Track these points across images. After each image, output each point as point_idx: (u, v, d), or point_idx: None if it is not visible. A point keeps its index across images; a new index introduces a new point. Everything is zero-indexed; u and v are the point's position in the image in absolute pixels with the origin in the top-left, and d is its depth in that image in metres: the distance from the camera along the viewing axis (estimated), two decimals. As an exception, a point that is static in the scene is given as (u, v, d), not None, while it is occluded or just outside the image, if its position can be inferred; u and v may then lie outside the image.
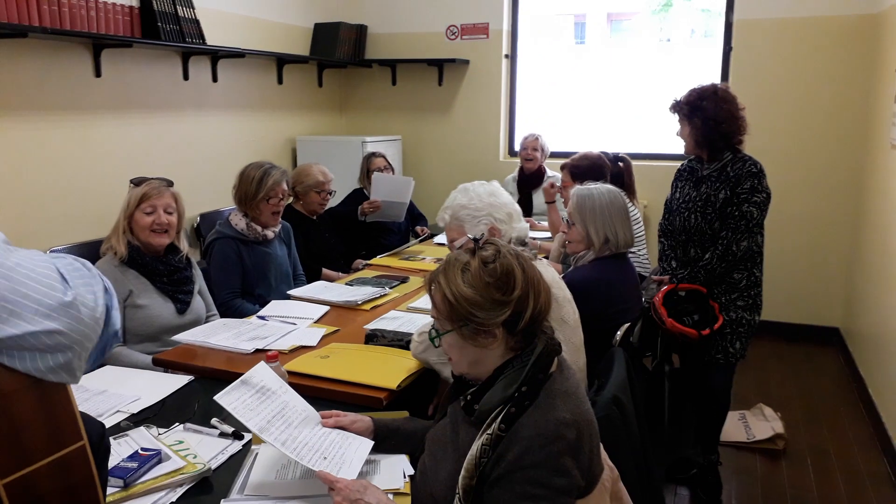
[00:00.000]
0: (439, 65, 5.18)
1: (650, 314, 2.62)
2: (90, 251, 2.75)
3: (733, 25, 4.54)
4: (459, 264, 1.35)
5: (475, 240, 1.41)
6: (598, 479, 1.33)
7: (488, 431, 1.27)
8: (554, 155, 4.66)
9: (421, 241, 4.03)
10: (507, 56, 5.19)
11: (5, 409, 0.83)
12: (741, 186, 2.56)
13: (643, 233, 3.62)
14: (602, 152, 3.58)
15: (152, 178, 2.51)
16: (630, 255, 2.61)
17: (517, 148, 4.77)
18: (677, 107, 2.70)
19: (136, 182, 2.49)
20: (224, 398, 1.46)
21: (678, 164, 2.93)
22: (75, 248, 3.08)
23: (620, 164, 3.61)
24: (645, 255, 3.59)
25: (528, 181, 4.48)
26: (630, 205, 3.13)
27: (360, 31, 5.31)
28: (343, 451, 1.44)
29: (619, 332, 2.30)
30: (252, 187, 2.92)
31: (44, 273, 0.87)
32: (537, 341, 1.33)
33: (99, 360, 0.99)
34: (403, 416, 1.67)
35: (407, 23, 5.29)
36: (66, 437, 0.88)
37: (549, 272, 2.08)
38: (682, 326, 2.52)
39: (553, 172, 4.46)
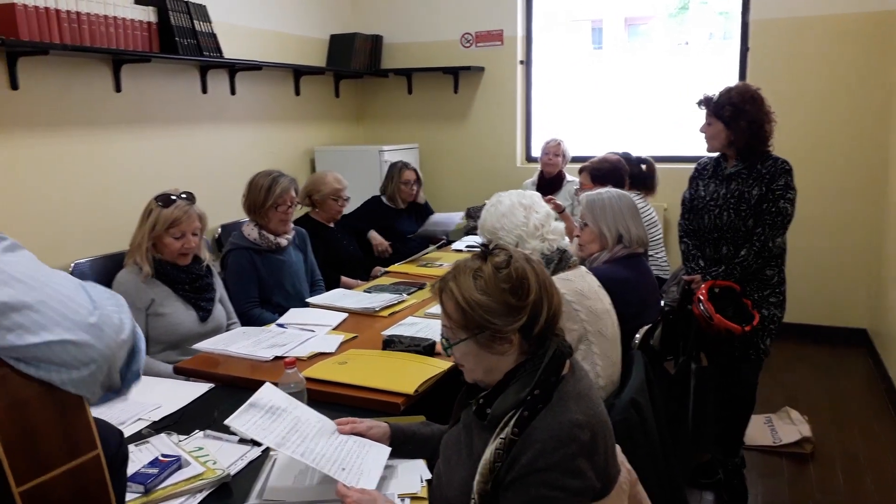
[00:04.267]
0: (454, 73, 5.20)
1: (671, 316, 2.60)
2: (111, 263, 2.79)
3: (749, 25, 4.50)
4: (470, 270, 1.33)
5: (484, 245, 1.40)
6: (614, 481, 1.32)
7: (501, 436, 1.26)
8: (575, 160, 4.64)
9: (439, 247, 4.04)
10: (522, 62, 5.20)
11: (23, 418, 0.84)
12: (776, 183, 2.60)
13: (661, 236, 3.59)
14: (624, 153, 3.57)
15: (177, 196, 2.46)
16: (648, 258, 2.59)
17: (536, 153, 4.76)
18: (715, 107, 2.66)
19: (163, 202, 2.43)
20: (236, 421, 1.45)
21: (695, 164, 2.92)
22: (97, 261, 3.12)
23: (643, 166, 3.60)
24: (663, 257, 3.56)
25: (548, 185, 4.47)
26: (644, 204, 3.10)
27: (376, 41, 5.35)
28: (360, 460, 1.44)
29: (637, 335, 2.28)
30: (260, 195, 2.95)
31: (73, 290, 0.89)
32: (549, 344, 1.32)
33: (116, 394, 0.99)
34: (420, 421, 1.67)
35: (421, 32, 5.32)
36: (81, 446, 0.89)
37: (588, 281, 2.04)
38: (728, 322, 2.52)
39: (572, 177, 4.44)
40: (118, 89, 3.49)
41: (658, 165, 3.75)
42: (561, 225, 2.15)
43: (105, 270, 2.83)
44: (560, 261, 2.05)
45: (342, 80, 5.33)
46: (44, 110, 3.17)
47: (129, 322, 0.96)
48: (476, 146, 5.34)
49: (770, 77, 4.38)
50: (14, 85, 3.01)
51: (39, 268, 0.89)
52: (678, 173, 4.41)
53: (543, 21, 5.26)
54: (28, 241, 3.10)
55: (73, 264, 3.06)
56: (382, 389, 1.87)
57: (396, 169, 4.15)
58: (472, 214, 4.71)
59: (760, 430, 3.29)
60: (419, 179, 4.17)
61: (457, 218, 4.14)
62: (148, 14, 3.48)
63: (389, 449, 1.51)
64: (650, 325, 2.37)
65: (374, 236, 3.97)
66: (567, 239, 2.18)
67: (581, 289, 1.97)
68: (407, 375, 1.94)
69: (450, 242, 4.14)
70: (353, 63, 5.13)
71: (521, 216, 2.10)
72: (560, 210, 3.76)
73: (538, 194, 2.24)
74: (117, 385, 0.97)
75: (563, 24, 5.51)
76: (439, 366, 2.00)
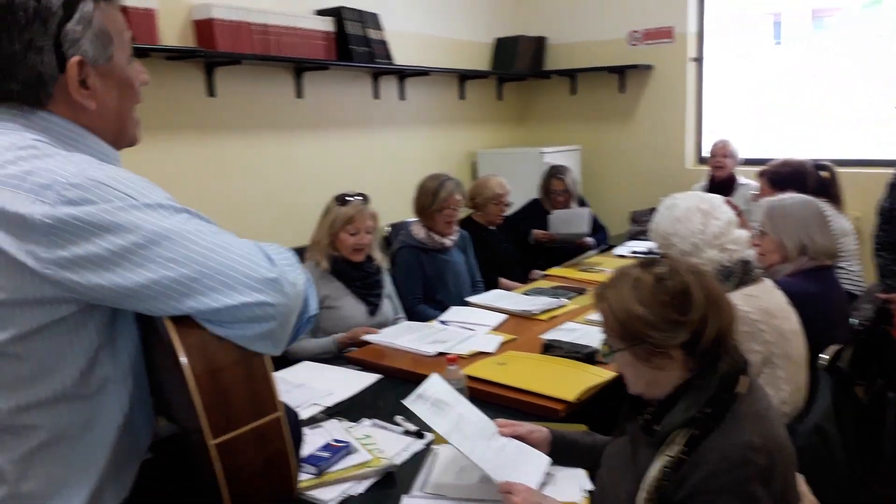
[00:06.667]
0: (621, 72, 5.06)
1: (863, 337, 2.35)
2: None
3: (968, 11, 3.97)
4: (630, 279, 1.28)
5: (648, 253, 1.34)
6: (795, 511, 1.21)
7: (669, 453, 1.20)
8: (749, 162, 4.35)
9: (601, 252, 3.94)
10: (694, 59, 4.95)
11: (217, 379, 0.94)
12: None
13: (856, 246, 3.26)
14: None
15: (354, 196, 2.65)
16: (840, 271, 2.36)
17: (707, 154, 4.52)
18: None
19: (340, 201, 2.64)
20: (413, 406, 1.51)
21: (893, 169, 2.62)
22: (279, 255, 3.38)
23: (824, 172, 3.29)
24: (858, 271, 3.23)
25: (718, 189, 4.21)
26: (838, 216, 2.83)
27: (540, 42, 5.33)
28: (519, 469, 1.44)
29: (824, 356, 2.08)
30: (428, 198, 3.08)
31: (252, 251, 0.97)
32: (721, 361, 1.24)
33: (293, 340, 1.07)
34: (582, 430, 1.63)
35: (587, 31, 5.23)
36: (265, 406, 0.97)
37: (776, 298, 1.89)
38: None
39: (746, 180, 4.17)
40: (299, 95, 3.76)
41: (847, 170, 3.41)
42: (744, 234, 1.96)
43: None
44: (743, 274, 1.87)
45: (505, 83, 5.37)
46: (236, 115, 3.48)
47: (302, 274, 1.04)
48: (642, 147, 5.16)
49: None
50: (211, 92, 3.33)
51: (219, 233, 0.97)
52: (872, 179, 3.98)
53: (718, 16, 4.97)
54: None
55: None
56: (542, 394, 1.85)
57: (546, 177, 4.12)
58: (637, 219, 4.55)
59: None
60: (567, 190, 4.06)
61: (583, 219, 3.97)
62: (327, 24, 3.71)
63: (549, 460, 1.49)
64: (838, 346, 2.15)
65: (538, 233, 3.96)
66: (751, 250, 1.99)
67: (767, 306, 1.80)
68: (567, 382, 1.91)
69: (611, 247, 4.02)
70: (517, 65, 5.15)
71: (698, 222, 1.93)
72: (738, 212, 3.52)
73: (720, 198, 2.06)
74: (293, 332, 1.04)
75: (740, 18, 5.17)
76: (600, 375, 1.95)
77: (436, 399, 1.57)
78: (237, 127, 3.50)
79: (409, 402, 1.52)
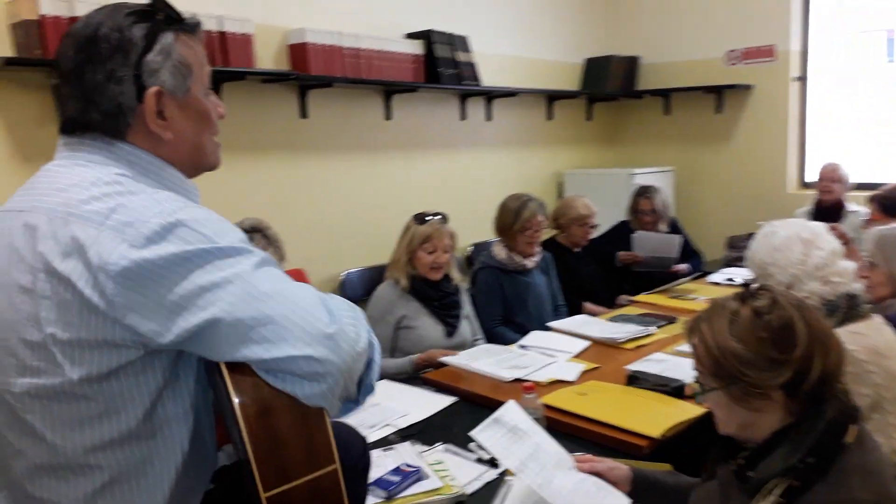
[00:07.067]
0: (718, 91, 4.86)
1: None
2: (376, 275, 3.04)
3: None
4: (727, 312, 1.18)
5: (746, 285, 1.23)
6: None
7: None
8: (860, 187, 4.07)
9: (695, 278, 3.75)
10: (798, 78, 4.69)
11: (271, 426, 0.91)
12: None
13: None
14: None
15: (432, 216, 2.67)
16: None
17: (812, 178, 4.26)
18: None
19: (419, 220, 2.68)
20: (481, 435, 1.47)
21: None
22: (364, 272, 3.43)
23: None
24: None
25: (825, 215, 3.94)
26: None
27: (632, 62, 5.21)
28: None
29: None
30: (509, 218, 3.04)
31: (313, 305, 0.94)
32: (827, 405, 1.13)
33: (354, 404, 1.02)
34: (666, 470, 1.53)
35: (682, 51, 5.07)
36: (320, 458, 0.93)
37: (886, 335, 1.73)
38: None
39: (856, 207, 3.89)
40: (388, 117, 3.81)
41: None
42: (850, 265, 1.80)
43: (370, 281, 3.09)
44: (848, 309, 1.72)
45: (595, 103, 5.27)
46: (327, 136, 3.57)
47: (366, 334, 1.00)
48: (740, 170, 4.93)
49: None
50: (304, 114, 3.43)
51: (284, 282, 0.95)
52: None
53: (824, 32, 4.70)
54: (309, 250, 3.49)
55: (344, 273, 3.40)
56: (625, 429, 1.76)
57: (634, 196, 3.98)
58: (734, 244, 4.33)
59: None
60: (655, 210, 3.90)
61: (672, 244, 3.78)
62: (416, 47, 3.75)
63: (629, 501, 1.40)
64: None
65: (623, 254, 3.83)
66: (858, 283, 1.82)
67: (876, 345, 1.64)
68: (652, 417, 1.81)
69: (706, 274, 3.83)
70: (608, 86, 5.04)
71: (799, 252, 1.79)
72: (845, 240, 3.27)
73: (824, 226, 1.90)
74: (353, 396, 1.01)
75: (849, 35, 4.87)
76: (689, 411, 1.84)
77: (513, 426, 1.52)
78: (328, 147, 3.58)
79: (480, 431, 1.47)
